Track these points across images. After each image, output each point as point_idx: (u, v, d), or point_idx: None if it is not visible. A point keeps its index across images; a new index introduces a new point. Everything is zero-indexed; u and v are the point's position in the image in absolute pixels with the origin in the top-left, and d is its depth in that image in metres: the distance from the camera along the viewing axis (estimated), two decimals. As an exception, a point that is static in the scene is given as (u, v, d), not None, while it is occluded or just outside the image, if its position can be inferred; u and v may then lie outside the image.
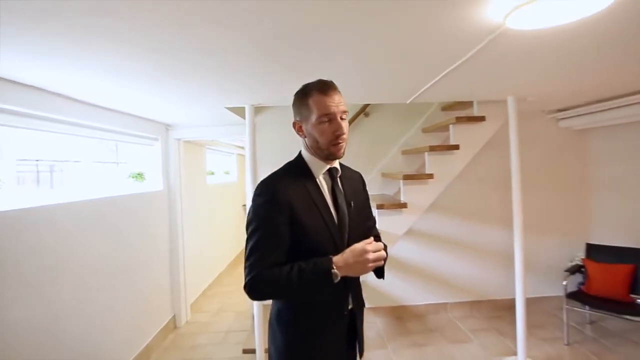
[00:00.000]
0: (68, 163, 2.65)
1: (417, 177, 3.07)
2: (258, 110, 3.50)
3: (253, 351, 2.93)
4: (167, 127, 3.72)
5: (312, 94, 1.21)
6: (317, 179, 1.26)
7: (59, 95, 2.27)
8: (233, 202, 6.46)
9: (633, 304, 3.03)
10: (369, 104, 3.78)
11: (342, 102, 1.21)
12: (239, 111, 3.20)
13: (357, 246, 1.12)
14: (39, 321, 2.06)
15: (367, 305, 3.61)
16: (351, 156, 3.91)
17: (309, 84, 1.25)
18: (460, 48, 1.75)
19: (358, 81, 2.33)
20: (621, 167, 3.63)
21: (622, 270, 3.15)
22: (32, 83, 2.02)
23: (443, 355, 3.06)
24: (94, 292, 2.56)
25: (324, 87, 1.21)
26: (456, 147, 3.06)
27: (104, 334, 2.64)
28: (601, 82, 2.66)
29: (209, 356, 3.23)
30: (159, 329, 3.47)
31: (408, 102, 2.91)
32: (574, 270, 3.40)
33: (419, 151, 3.36)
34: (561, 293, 3.23)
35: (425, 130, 3.79)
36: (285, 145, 3.81)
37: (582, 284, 3.40)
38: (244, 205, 6.88)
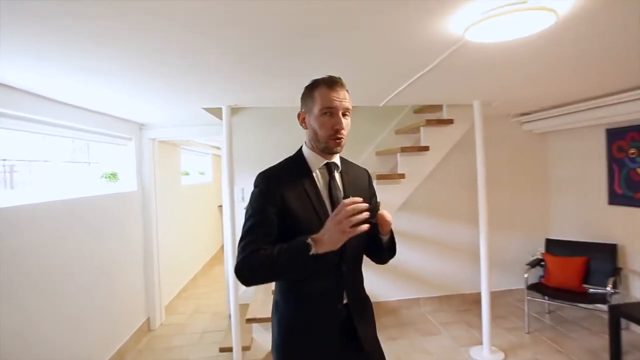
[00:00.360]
0: (37, 163, 2.60)
1: (390, 177, 3.19)
2: (235, 110, 3.52)
3: (230, 349, 2.97)
4: (141, 126, 3.69)
5: (319, 86, 1.24)
6: (313, 173, 1.28)
7: (28, 93, 2.23)
8: (208, 203, 6.42)
9: (586, 293, 3.28)
10: (343, 106, 3.89)
11: (346, 99, 1.24)
12: (216, 111, 3.22)
13: (330, 216, 1.12)
14: (8, 323, 2.02)
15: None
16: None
17: (319, 78, 1.27)
18: (427, 57, 1.88)
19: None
20: (577, 167, 3.90)
21: (577, 263, 3.39)
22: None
23: (415, 348, 3.20)
24: (65, 293, 2.52)
25: (331, 82, 1.23)
26: (426, 148, 3.21)
27: (76, 336, 2.61)
28: (553, 90, 2.89)
29: (185, 357, 3.23)
30: (133, 332, 3.44)
31: (381, 104, 3.03)
32: (535, 264, 3.63)
33: (391, 152, 3.48)
34: (523, 285, 3.45)
35: (398, 132, 3.93)
36: (261, 146, 3.89)
37: (542, 276, 3.64)
38: (220, 206, 6.85)
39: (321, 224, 1.14)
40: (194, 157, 5.97)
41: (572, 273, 3.37)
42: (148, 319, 3.80)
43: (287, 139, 3.90)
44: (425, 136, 3.27)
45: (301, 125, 1.33)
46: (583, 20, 1.47)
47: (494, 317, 3.56)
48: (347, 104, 1.24)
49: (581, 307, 3.61)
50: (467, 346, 3.17)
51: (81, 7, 1.20)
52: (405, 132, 3.80)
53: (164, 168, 4.24)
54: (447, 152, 3.39)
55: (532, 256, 3.85)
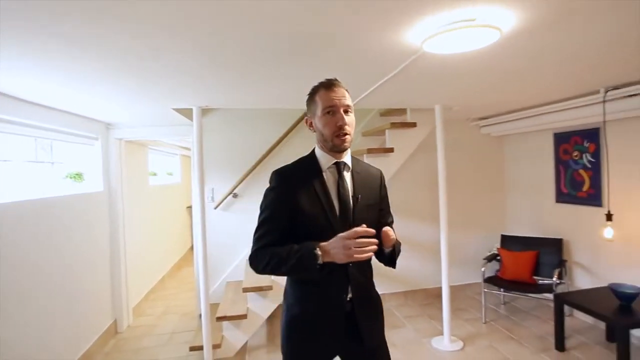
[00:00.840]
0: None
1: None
2: (205, 111, 3.54)
3: (200, 348, 2.99)
4: (108, 126, 3.63)
5: (319, 90, 1.32)
6: (323, 172, 1.34)
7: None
8: (177, 204, 6.34)
9: (535, 284, 3.56)
10: (312, 108, 3.99)
11: (344, 97, 1.30)
12: (186, 112, 3.22)
13: (342, 234, 1.18)
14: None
15: None
16: (296, 157, 4.09)
17: (317, 83, 1.35)
18: (390, 64, 2.02)
19: (303, 88, 2.51)
20: (529, 168, 4.21)
21: (528, 257, 3.67)
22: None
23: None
24: (28, 296, 2.47)
25: (328, 84, 1.31)
26: (391, 149, 3.37)
27: (39, 340, 2.55)
28: (505, 98, 3.14)
29: (154, 358, 3.21)
30: (99, 335, 3.38)
31: (348, 108, 3.16)
32: (491, 258, 3.89)
33: (359, 153, 3.60)
34: (481, 279, 3.68)
35: (365, 134, 4.08)
36: (231, 146, 3.93)
37: (498, 270, 3.90)
38: (189, 207, 6.77)
39: (327, 221, 1.27)
40: (162, 158, 5.88)
41: (524, 266, 3.64)
42: (115, 321, 3.74)
43: (256, 140, 3.98)
44: (390, 138, 3.43)
45: (310, 129, 1.39)
46: (524, 38, 1.65)
47: (454, 309, 3.80)
48: (346, 101, 1.30)
49: (532, 297, 3.90)
50: (429, 337, 3.35)
51: (49, 6, 1.20)
52: (371, 135, 3.96)
53: (131, 168, 4.18)
54: (411, 153, 3.57)
55: (489, 251, 4.11)
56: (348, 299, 1.33)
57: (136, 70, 1.95)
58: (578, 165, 3.56)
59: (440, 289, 3.33)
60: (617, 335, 2.55)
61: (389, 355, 1.46)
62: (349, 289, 1.32)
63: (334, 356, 1.41)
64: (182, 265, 6.19)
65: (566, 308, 3.46)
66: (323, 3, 1.27)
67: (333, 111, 1.28)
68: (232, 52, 1.73)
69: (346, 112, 1.29)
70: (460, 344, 3.18)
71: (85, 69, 1.90)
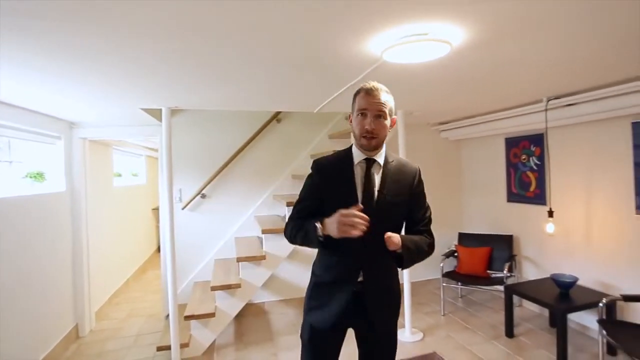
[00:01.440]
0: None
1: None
2: (173, 112, 3.55)
3: (168, 348, 3.00)
4: (72, 125, 3.55)
5: (359, 92, 1.47)
6: (354, 166, 1.48)
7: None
8: (142, 205, 6.21)
9: (489, 277, 3.83)
10: (281, 111, 4.10)
11: (380, 103, 1.41)
12: (154, 112, 3.22)
13: (341, 210, 1.31)
14: None
15: (280, 297, 4.07)
16: (264, 158, 4.17)
17: (361, 86, 1.49)
18: (354, 72, 2.16)
19: (272, 91, 2.61)
20: (484, 171, 4.51)
21: (482, 252, 3.95)
22: None
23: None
24: (-12, 299, 2.40)
25: (368, 89, 1.44)
26: (356, 152, 3.52)
27: (-2, 344, 2.48)
28: (460, 105, 3.39)
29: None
30: (59, 339, 3.29)
31: (315, 111, 3.29)
32: (449, 254, 4.14)
33: (322, 154, 3.75)
34: (440, 274, 3.91)
35: (331, 137, 4.23)
36: (199, 147, 3.95)
37: (456, 266, 4.15)
38: (155, 209, 6.65)
39: (349, 207, 1.35)
40: (127, 158, 5.75)
41: (479, 261, 3.91)
42: (76, 326, 3.64)
43: (224, 141, 4.03)
44: (355, 140, 3.59)
45: (350, 124, 1.53)
46: (473, 51, 1.84)
47: (416, 303, 4.00)
48: (382, 107, 1.41)
49: (486, 290, 4.19)
50: (392, 330, 3.52)
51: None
52: (337, 137, 4.11)
53: (95, 169, 4.09)
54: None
55: (448, 248, 4.37)
56: (359, 280, 1.47)
57: (105, 68, 1.95)
58: (526, 168, 3.88)
59: (403, 285, 3.51)
60: (557, 319, 2.83)
61: (395, 346, 1.60)
62: (360, 272, 1.47)
63: (345, 326, 1.57)
64: (147, 268, 6.06)
65: (516, 299, 3.76)
66: (293, 15, 1.39)
67: (364, 114, 1.43)
68: (202, 54, 1.80)
69: (378, 117, 1.42)
70: (421, 335, 3.38)
71: (50, 66, 1.87)
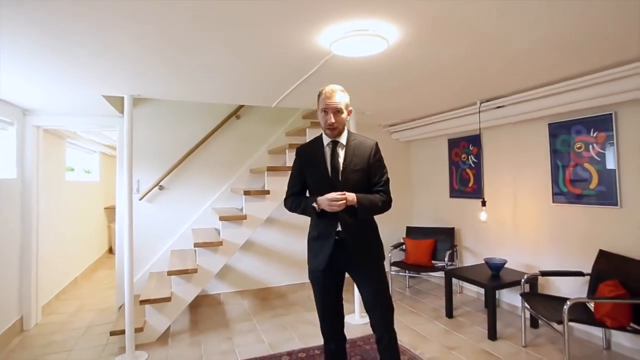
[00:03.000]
0: None
1: (279, 168, 3.65)
2: (134, 102, 3.57)
3: (122, 332, 2.99)
4: (25, 112, 3.49)
5: (321, 94, 1.93)
6: (324, 147, 1.98)
7: None
8: (94, 203, 6.04)
9: (433, 266, 4.15)
10: (241, 107, 4.25)
11: (336, 103, 1.88)
12: (115, 101, 3.26)
13: (327, 195, 1.82)
14: None
15: (235, 289, 4.26)
16: (223, 153, 4.27)
17: (322, 89, 1.93)
18: (306, 65, 2.38)
19: (231, 83, 2.76)
20: (430, 169, 4.90)
21: (427, 244, 4.27)
22: None
23: (300, 320, 3.64)
24: None
25: (327, 91, 1.90)
26: (311, 145, 3.75)
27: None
28: (405, 104, 3.70)
29: (68, 349, 3.12)
30: (1, 332, 3.18)
31: (273, 105, 3.48)
32: (397, 246, 4.44)
33: (279, 150, 3.95)
34: (389, 264, 4.19)
35: (288, 134, 4.43)
36: (160, 139, 4.00)
37: (404, 257, 4.45)
38: (108, 208, 6.49)
39: (324, 180, 1.92)
40: (81, 154, 5.62)
41: (424, 252, 4.23)
42: (21, 318, 3.52)
43: (184, 134, 4.11)
44: (311, 136, 3.82)
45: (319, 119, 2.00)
46: (407, 51, 2.12)
47: (367, 292, 4.23)
48: (338, 105, 1.88)
49: (432, 280, 4.52)
50: (347, 314, 3.72)
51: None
52: (294, 135, 4.32)
53: (48, 159, 4.01)
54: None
55: (397, 241, 4.67)
56: (338, 230, 1.91)
57: (67, 48, 1.96)
58: (465, 166, 4.28)
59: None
60: (487, 295, 3.17)
61: (386, 285, 2.00)
62: (338, 224, 1.91)
63: (339, 270, 1.99)
64: (97, 268, 5.89)
65: (457, 287, 4.11)
66: (250, 8, 1.58)
67: (326, 111, 1.90)
68: (168, 40, 1.93)
69: (336, 112, 1.88)
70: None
71: (2, 41, 1.83)
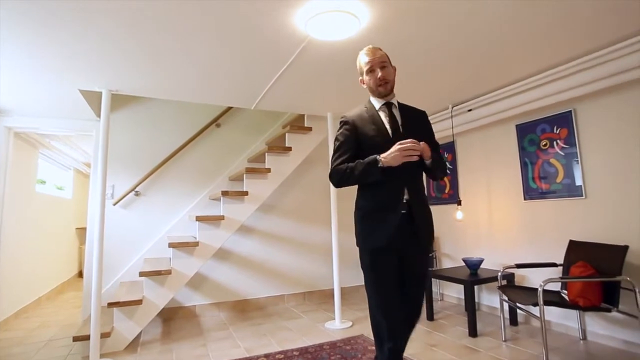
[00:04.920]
0: None
1: (258, 170, 3.66)
2: (112, 108, 3.57)
3: (86, 338, 2.80)
4: (-3, 112, 3.44)
5: (360, 56, 1.83)
6: (378, 111, 1.81)
7: None
8: (65, 222, 5.81)
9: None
10: (221, 115, 4.30)
11: (378, 56, 1.77)
12: (92, 99, 3.25)
13: (398, 143, 1.61)
14: None
15: (211, 301, 4.14)
16: (202, 160, 4.24)
17: (362, 50, 1.85)
18: (284, 52, 2.46)
19: (209, 75, 2.83)
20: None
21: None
22: None
23: (278, 327, 3.51)
24: None
25: (367, 49, 1.81)
26: (289, 149, 3.81)
27: None
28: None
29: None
30: (-48, 344, 2.93)
31: (253, 107, 3.54)
32: (377, 253, 4.41)
33: (260, 153, 3.96)
34: (369, 271, 4.14)
35: (268, 143, 4.48)
36: (136, 145, 3.97)
37: (383, 266, 4.42)
38: (80, 229, 6.24)
39: (383, 142, 1.69)
40: (55, 169, 5.47)
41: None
42: (-24, 332, 3.26)
43: (162, 141, 4.10)
44: (289, 140, 3.89)
45: (362, 86, 1.88)
46: (380, 33, 2.25)
47: (348, 303, 4.18)
48: (383, 58, 1.78)
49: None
50: (322, 322, 3.62)
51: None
52: (274, 143, 4.37)
53: (18, 167, 3.90)
54: (307, 156, 4.05)
55: (377, 252, 4.65)
56: (404, 200, 1.69)
57: (42, 35, 1.96)
58: (440, 173, 4.40)
59: (333, 288, 3.66)
60: (466, 292, 3.16)
61: (428, 265, 1.88)
62: (405, 190, 1.70)
63: (398, 251, 1.71)
64: (64, 290, 5.56)
65: (437, 294, 4.10)
66: None
67: (373, 69, 1.78)
68: (145, 18, 2.00)
69: (383, 67, 1.77)
70: (350, 323, 3.51)
71: None
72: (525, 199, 3.40)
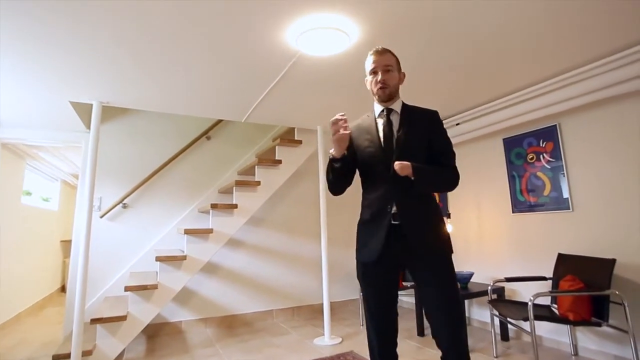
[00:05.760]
0: None
1: (248, 183, 3.64)
2: (101, 120, 3.55)
3: (67, 356, 2.71)
4: (-17, 123, 3.39)
5: (368, 57, 1.71)
6: (377, 118, 1.72)
7: None
8: (50, 234, 5.68)
9: (403, 287, 4.10)
10: (211, 128, 4.30)
11: (383, 59, 1.66)
12: (82, 111, 3.23)
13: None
14: None
15: (197, 316, 4.07)
16: (192, 173, 4.21)
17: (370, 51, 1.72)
18: (272, 69, 2.49)
19: (201, 89, 2.84)
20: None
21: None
22: None
23: (266, 344, 3.44)
24: None
25: (374, 51, 1.69)
26: (279, 161, 3.80)
27: None
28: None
29: (3, 378, 2.78)
30: None
31: (243, 120, 3.55)
32: (368, 267, 4.38)
33: (250, 166, 3.94)
34: (359, 291, 4.10)
35: (258, 156, 4.47)
36: (125, 157, 3.93)
37: (374, 280, 4.38)
38: (65, 242, 6.12)
39: (374, 150, 1.64)
40: (41, 180, 5.38)
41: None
42: (-49, 349, 3.13)
43: (151, 153, 4.07)
44: (279, 152, 3.89)
45: (368, 88, 1.76)
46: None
47: (337, 319, 4.12)
48: (387, 61, 1.66)
49: (402, 306, 4.45)
50: (311, 338, 3.55)
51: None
52: (264, 156, 4.36)
53: (4, 179, 3.82)
54: (297, 169, 4.04)
55: (368, 266, 4.61)
56: (393, 211, 1.58)
57: (31, 47, 1.97)
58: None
59: (323, 303, 3.61)
60: (456, 306, 3.14)
61: (455, 286, 1.59)
62: (393, 202, 1.59)
63: (395, 264, 1.62)
64: (46, 305, 5.39)
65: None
66: (217, 9, 1.70)
67: (375, 72, 1.68)
68: (137, 30, 2.01)
69: (387, 71, 1.66)
70: (340, 339, 3.45)
71: None
72: (513, 211, 3.42)
